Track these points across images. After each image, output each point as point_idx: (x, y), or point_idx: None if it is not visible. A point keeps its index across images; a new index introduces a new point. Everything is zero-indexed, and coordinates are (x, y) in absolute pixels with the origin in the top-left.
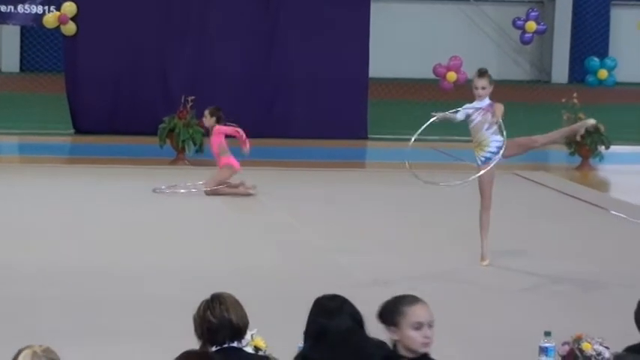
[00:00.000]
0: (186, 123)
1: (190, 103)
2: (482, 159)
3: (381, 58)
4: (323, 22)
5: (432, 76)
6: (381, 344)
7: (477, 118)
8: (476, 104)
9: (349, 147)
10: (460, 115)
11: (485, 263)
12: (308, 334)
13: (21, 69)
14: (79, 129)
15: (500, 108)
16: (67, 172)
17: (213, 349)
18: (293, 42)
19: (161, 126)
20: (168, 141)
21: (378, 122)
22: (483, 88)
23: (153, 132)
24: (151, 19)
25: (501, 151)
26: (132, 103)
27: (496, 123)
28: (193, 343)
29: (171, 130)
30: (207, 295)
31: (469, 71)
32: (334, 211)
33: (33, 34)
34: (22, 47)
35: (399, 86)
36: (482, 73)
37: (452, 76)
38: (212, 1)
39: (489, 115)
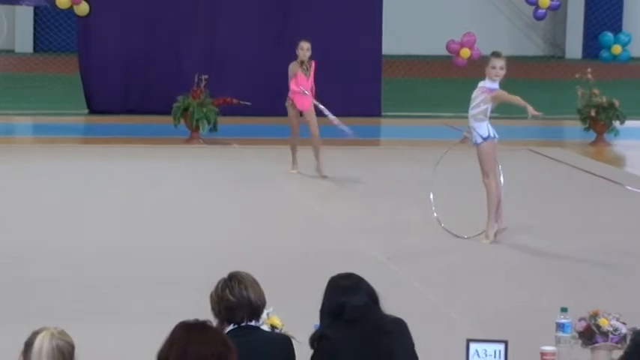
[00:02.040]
0: (200, 102)
1: (204, 82)
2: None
3: (393, 35)
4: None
5: (446, 52)
6: (397, 320)
7: (479, 96)
8: (489, 83)
9: (363, 124)
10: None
11: (485, 241)
12: (324, 313)
13: (35, 49)
14: (93, 109)
15: (502, 95)
16: (81, 152)
17: (231, 327)
18: (305, 20)
19: (175, 105)
20: (182, 120)
21: (391, 100)
22: (502, 69)
23: (167, 111)
24: None
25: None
26: (145, 82)
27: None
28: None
29: (186, 109)
30: (223, 274)
31: (482, 47)
32: (348, 190)
33: (46, 15)
34: (35, 28)
35: (412, 63)
36: (499, 54)
37: (465, 52)
38: None
39: (483, 97)
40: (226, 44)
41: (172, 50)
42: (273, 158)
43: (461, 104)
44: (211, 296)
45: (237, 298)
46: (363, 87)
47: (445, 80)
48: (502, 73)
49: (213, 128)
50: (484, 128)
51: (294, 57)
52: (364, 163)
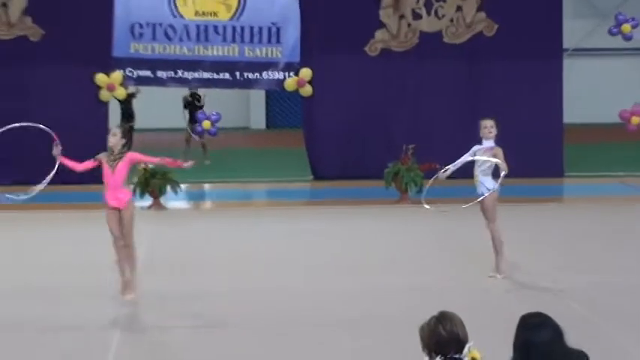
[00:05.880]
0: (408, 168)
1: (411, 151)
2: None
3: (574, 106)
4: (520, 77)
5: (618, 120)
6: (581, 354)
7: (480, 155)
8: (486, 143)
9: (547, 184)
10: (469, 156)
11: (499, 276)
12: (516, 347)
13: (267, 126)
14: (317, 175)
15: (499, 152)
16: (307, 213)
17: (438, 358)
18: (494, 95)
19: (386, 171)
20: (393, 184)
21: (571, 162)
22: (492, 127)
23: (379, 176)
24: (374, 80)
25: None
26: (360, 151)
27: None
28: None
29: (396, 174)
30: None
31: None
32: (532, 241)
33: (276, 96)
34: (267, 108)
35: (589, 130)
36: (487, 117)
37: (635, 119)
38: (424, 65)
39: (486, 155)
40: (429, 117)
41: (382, 124)
42: (469, 214)
43: (633, 164)
44: (422, 330)
45: (448, 333)
46: (548, 151)
47: (618, 144)
48: (493, 131)
49: (420, 190)
50: (489, 181)
51: (479, 117)
52: (547, 219)
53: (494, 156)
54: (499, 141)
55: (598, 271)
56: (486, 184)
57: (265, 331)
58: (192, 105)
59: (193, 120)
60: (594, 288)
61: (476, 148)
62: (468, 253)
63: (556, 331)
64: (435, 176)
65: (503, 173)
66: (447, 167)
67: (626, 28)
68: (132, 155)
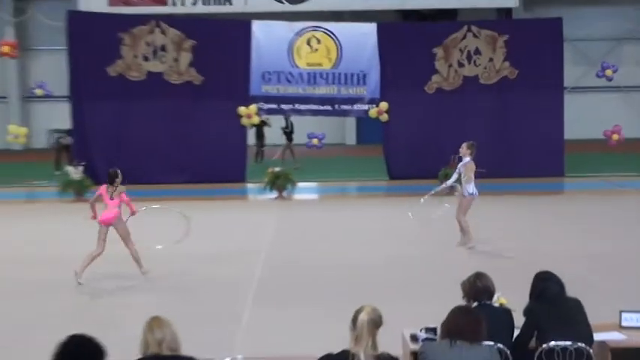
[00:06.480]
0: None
1: (456, 159)
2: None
3: (572, 126)
4: (534, 107)
5: (603, 137)
6: (577, 300)
7: (460, 169)
8: (463, 160)
9: (552, 182)
10: (455, 176)
11: (470, 244)
12: (532, 295)
13: (357, 142)
14: (391, 176)
15: (469, 166)
16: (383, 202)
17: (475, 304)
18: (515, 120)
19: (440, 173)
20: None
21: (572, 166)
22: (461, 148)
23: (435, 176)
24: (431, 109)
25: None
26: (422, 159)
27: (464, 176)
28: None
29: (446, 175)
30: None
31: (627, 133)
32: (529, 227)
33: (364, 121)
34: (357, 128)
35: (583, 144)
36: (466, 142)
37: (615, 136)
38: (466, 99)
39: (462, 169)
40: (469, 135)
41: (437, 140)
42: (483, 205)
43: (614, 168)
44: (464, 284)
45: (483, 286)
46: (551, 158)
47: (603, 154)
48: (461, 151)
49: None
50: (470, 187)
51: (508, 140)
52: (549, 207)
53: (467, 169)
54: (513, 150)
55: (591, 241)
56: (468, 189)
57: (365, 288)
58: (285, 130)
59: (288, 139)
60: (588, 257)
61: (459, 164)
62: (496, 232)
63: (560, 284)
64: (432, 191)
65: (459, 178)
66: (443, 184)
67: (609, 72)
68: (123, 196)
